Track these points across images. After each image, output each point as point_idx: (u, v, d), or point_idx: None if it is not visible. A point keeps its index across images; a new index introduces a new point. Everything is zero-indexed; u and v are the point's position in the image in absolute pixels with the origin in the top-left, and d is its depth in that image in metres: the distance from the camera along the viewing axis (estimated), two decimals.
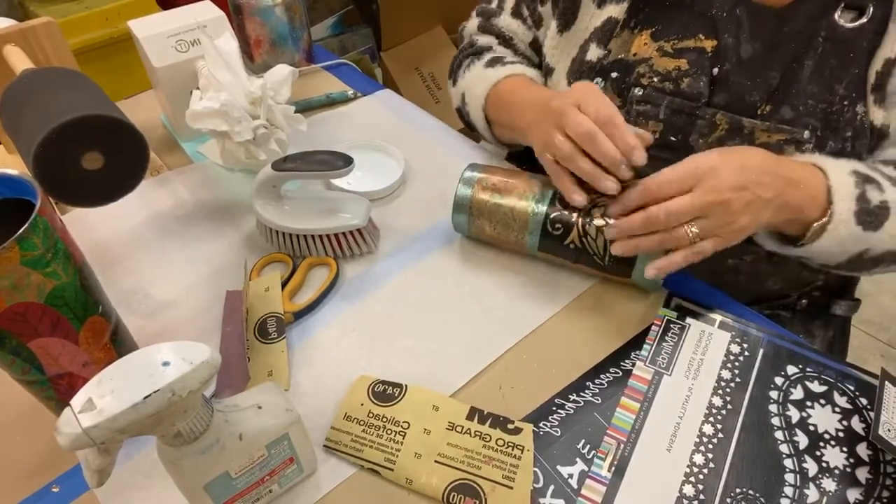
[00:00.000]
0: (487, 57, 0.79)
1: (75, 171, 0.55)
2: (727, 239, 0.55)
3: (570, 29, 0.72)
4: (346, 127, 0.89)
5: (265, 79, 0.71)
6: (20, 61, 0.64)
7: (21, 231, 0.42)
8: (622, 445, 0.52)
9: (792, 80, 0.61)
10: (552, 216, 0.61)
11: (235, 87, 0.69)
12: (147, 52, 0.77)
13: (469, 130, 0.87)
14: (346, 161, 0.63)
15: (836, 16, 0.60)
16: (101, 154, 0.56)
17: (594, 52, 0.69)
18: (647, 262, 0.58)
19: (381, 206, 0.76)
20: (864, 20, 0.59)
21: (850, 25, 0.59)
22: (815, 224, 0.57)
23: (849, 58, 0.60)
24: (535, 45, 0.81)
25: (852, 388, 0.56)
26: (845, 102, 0.60)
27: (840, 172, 0.57)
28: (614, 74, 0.67)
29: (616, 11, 0.68)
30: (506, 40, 0.82)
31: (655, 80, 0.65)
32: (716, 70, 0.64)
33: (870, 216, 0.57)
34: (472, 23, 0.86)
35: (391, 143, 0.82)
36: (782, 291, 0.76)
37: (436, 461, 0.51)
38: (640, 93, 0.66)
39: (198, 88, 0.73)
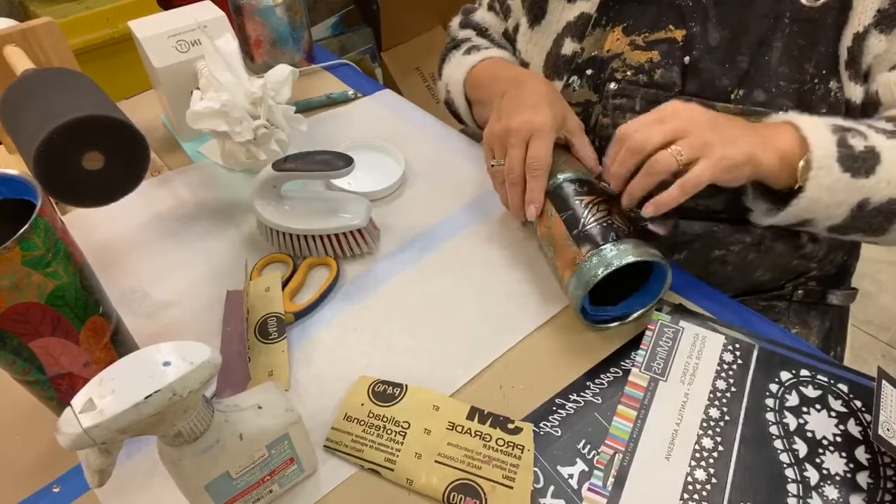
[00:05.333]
0: (465, 47, 0.83)
1: (76, 171, 0.55)
2: (716, 161, 0.53)
3: (540, 23, 0.74)
4: (346, 127, 0.89)
5: (265, 79, 0.71)
6: (21, 62, 0.64)
7: (22, 231, 0.42)
8: (621, 456, 0.52)
9: (762, 62, 0.62)
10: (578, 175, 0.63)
11: (236, 88, 0.69)
12: (147, 53, 0.77)
13: (459, 122, 0.89)
14: (346, 161, 0.63)
15: None
16: (101, 154, 0.56)
17: (569, 47, 0.70)
18: (580, 287, 0.57)
19: (381, 206, 0.76)
20: None
21: (815, 4, 0.60)
22: (800, 163, 0.55)
23: (816, 36, 0.60)
24: (508, 36, 0.84)
25: (846, 390, 0.55)
26: (816, 80, 0.61)
27: (814, 125, 0.56)
28: (589, 71, 0.69)
29: (587, 7, 0.69)
30: (482, 32, 0.86)
31: (629, 73, 0.67)
32: (687, 59, 0.65)
33: (856, 161, 0.55)
34: (455, 21, 0.90)
35: (391, 143, 0.82)
36: (774, 282, 0.77)
37: (436, 461, 0.51)
38: (615, 87, 0.67)
39: (198, 89, 0.73)
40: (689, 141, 0.53)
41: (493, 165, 0.66)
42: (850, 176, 0.55)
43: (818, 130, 0.56)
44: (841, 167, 0.55)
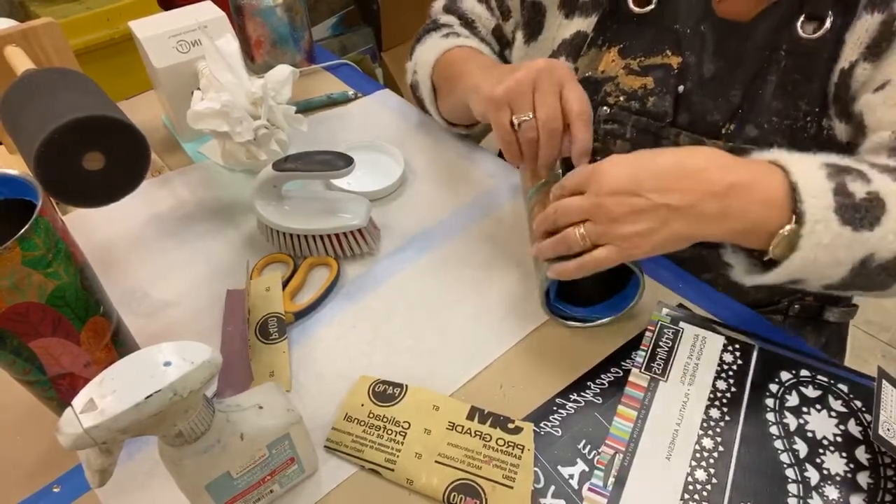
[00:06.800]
0: (445, 31, 0.79)
1: (76, 171, 0.55)
2: (621, 249, 0.50)
3: (536, 39, 0.72)
4: (346, 127, 0.89)
5: (266, 79, 0.71)
6: (21, 62, 0.64)
7: (22, 231, 0.42)
8: (621, 456, 0.52)
9: (755, 97, 0.61)
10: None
11: (236, 88, 0.69)
12: (148, 53, 0.77)
13: (423, 111, 0.86)
14: (346, 161, 0.63)
15: (798, 26, 0.59)
16: (102, 154, 0.56)
17: None
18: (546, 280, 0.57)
19: (381, 206, 0.76)
20: (825, 29, 0.58)
21: (812, 36, 0.59)
22: (781, 231, 0.48)
23: (811, 71, 0.59)
24: (498, 34, 0.80)
25: (846, 390, 0.55)
26: (809, 118, 0.60)
27: (806, 167, 0.48)
28: None
29: (584, 25, 0.68)
30: (467, 22, 0.82)
31: (622, 98, 0.65)
32: (681, 88, 0.63)
33: (857, 212, 0.47)
34: (439, 3, 0.86)
35: (391, 143, 0.82)
36: (769, 299, 0.76)
37: (436, 461, 0.51)
38: (608, 112, 0.66)
39: (199, 89, 0.73)
40: (595, 227, 0.50)
41: (520, 123, 0.57)
42: (851, 230, 0.47)
43: (811, 176, 0.48)
44: (840, 219, 0.47)
